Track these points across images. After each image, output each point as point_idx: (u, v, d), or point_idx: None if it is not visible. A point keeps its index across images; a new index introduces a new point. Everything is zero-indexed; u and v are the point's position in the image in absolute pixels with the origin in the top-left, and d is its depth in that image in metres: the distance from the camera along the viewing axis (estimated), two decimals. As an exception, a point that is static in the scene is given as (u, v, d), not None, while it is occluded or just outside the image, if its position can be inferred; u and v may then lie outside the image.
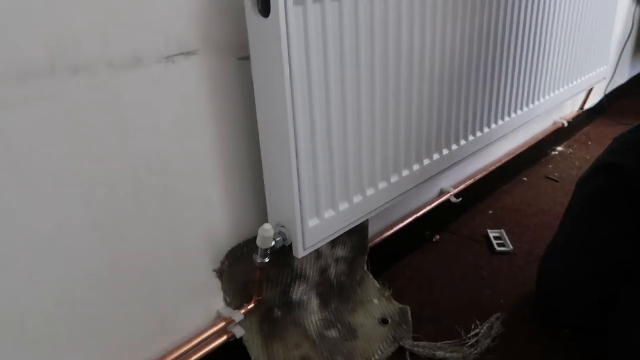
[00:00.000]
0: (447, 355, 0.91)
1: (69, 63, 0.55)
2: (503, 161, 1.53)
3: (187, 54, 0.67)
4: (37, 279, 0.58)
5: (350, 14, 0.73)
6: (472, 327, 0.99)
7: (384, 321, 0.98)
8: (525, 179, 1.65)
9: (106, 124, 0.60)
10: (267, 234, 0.75)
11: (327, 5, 0.69)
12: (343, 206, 0.83)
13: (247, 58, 0.73)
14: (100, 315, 0.65)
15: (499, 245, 1.26)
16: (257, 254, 0.77)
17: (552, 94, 1.44)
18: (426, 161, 1.00)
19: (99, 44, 0.57)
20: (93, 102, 0.58)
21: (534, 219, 1.40)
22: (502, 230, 1.32)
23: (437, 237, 1.30)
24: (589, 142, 1.96)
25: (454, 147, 1.08)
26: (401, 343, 0.93)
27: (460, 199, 1.32)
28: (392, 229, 1.15)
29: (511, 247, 1.25)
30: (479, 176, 1.42)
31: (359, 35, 0.75)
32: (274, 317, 0.87)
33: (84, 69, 0.56)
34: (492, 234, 1.31)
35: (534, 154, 1.72)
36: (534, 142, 1.67)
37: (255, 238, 0.77)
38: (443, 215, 1.32)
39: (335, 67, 0.74)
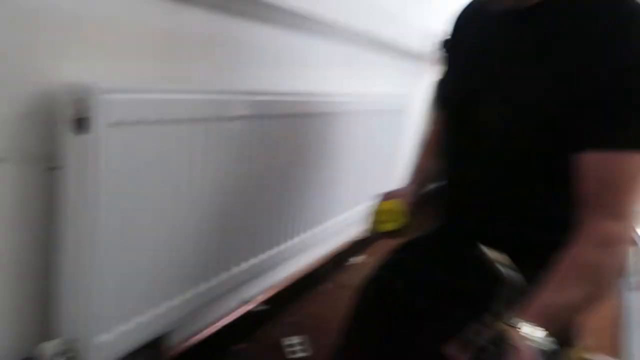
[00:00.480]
0: None
1: None
2: (306, 271, 1.65)
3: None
4: None
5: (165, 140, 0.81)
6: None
7: None
8: (328, 286, 1.80)
9: None
10: (50, 352, 0.72)
11: (140, 129, 0.76)
12: (138, 319, 0.84)
13: (57, 168, 0.74)
14: None
15: (295, 352, 1.34)
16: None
17: (345, 214, 1.65)
18: (235, 269, 1.07)
19: None
20: None
21: (333, 322, 1.52)
22: (305, 337, 1.41)
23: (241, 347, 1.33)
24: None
25: (245, 264, 1.14)
26: None
27: (266, 307, 1.39)
28: (195, 337, 1.15)
29: (311, 352, 1.33)
30: (281, 286, 1.52)
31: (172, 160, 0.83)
32: None
33: None
34: (288, 341, 1.38)
35: (334, 264, 1.89)
36: (334, 253, 1.85)
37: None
38: (248, 324, 1.37)
39: (146, 181, 0.79)
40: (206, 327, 1.20)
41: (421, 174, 1.02)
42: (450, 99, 0.88)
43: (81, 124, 0.69)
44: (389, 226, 0.95)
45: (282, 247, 1.27)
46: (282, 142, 1.16)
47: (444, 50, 0.95)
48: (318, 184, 1.41)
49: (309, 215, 1.38)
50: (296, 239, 1.34)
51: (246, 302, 1.36)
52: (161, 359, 1.00)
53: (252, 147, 1.05)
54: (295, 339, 1.40)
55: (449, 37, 0.93)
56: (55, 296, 0.76)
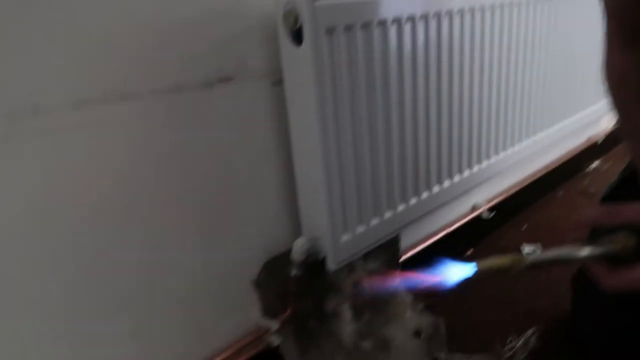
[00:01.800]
0: (481, 368, 0.92)
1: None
2: (537, 176, 1.52)
3: (224, 80, 0.72)
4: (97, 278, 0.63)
5: (379, 43, 0.77)
6: (508, 340, 0.99)
7: (417, 334, 1.00)
8: (560, 193, 1.64)
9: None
10: (301, 247, 0.79)
11: (357, 35, 0.73)
12: (374, 221, 0.87)
13: (280, 83, 0.78)
14: (146, 323, 0.71)
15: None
16: (292, 267, 0.81)
17: (583, 112, 1.44)
18: (457, 177, 1.03)
19: (145, 76, 0.63)
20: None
21: (570, 234, 1.39)
22: (538, 245, 1.31)
23: (471, 251, 1.31)
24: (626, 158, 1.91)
25: (485, 163, 1.09)
26: (435, 355, 0.95)
27: (493, 213, 1.33)
28: (424, 243, 1.17)
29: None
30: (512, 191, 1.42)
31: (389, 63, 0.79)
32: (309, 327, 0.90)
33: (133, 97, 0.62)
34: (526, 248, 1.31)
35: (569, 170, 1.70)
36: (568, 157, 1.66)
37: (289, 251, 0.81)
38: (476, 230, 1.33)
39: (365, 90, 0.78)
40: (436, 232, 1.20)
41: None
42: None
43: (297, 34, 0.69)
44: None
45: (510, 151, 1.17)
46: (505, 35, 1.03)
47: None
48: (548, 79, 1.24)
49: (538, 118, 1.24)
50: (525, 143, 1.21)
51: (476, 208, 1.32)
52: (394, 260, 1.03)
53: (473, 45, 0.95)
54: (528, 247, 1.31)
55: None
56: (301, 202, 0.82)
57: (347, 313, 0.96)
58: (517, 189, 1.44)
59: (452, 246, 1.29)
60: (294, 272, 0.81)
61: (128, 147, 0.63)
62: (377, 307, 1.01)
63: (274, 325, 0.84)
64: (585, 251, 0.52)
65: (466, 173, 1.05)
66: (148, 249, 0.68)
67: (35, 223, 0.57)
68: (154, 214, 0.68)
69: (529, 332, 1.01)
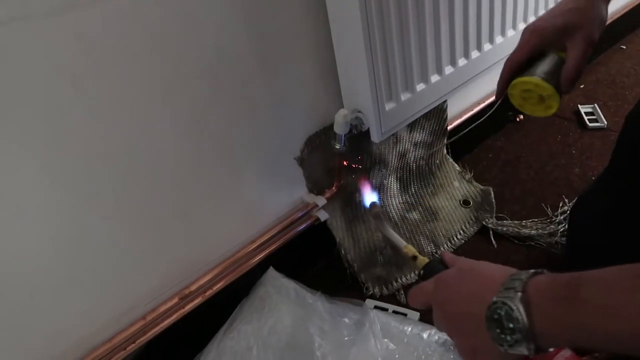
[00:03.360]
0: (533, 232, 0.90)
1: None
2: (598, 29, 1.36)
3: None
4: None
5: None
6: (560, 205, 0.96)
7: (465, 203, 0.98)
8: (624, 47, 1.49)
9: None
10: (343, 119, 0.74)
11: None
12: (420, 87, 0.80)
13: None
14: (200, 203, 0.71)
15: (591, 121, 1.17)
16: (335, 141, 0.77)
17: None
18: (511, 33, 0.92)
19: None
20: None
21: (632, 90, 1.28)
22: (595, 105, 1.22)
23: (521, 117, 1.23)
24: None
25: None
26: (484, 223, 0.93)
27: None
28: (472, 110, 1.10)
29: (605, 122, 1.16)
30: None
31: None
32: (356, 202, 0.89)
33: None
34: (583, 109, 1.22)
35: (635, 20, 1.52)
36: (634, 5, 1.47)
37: (331, 125, 0.77)
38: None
39: None
40: (483, 99, 1.12)
41: None
42: None
43: None
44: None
45: None
46: None
47: None
48: None
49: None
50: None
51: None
52: (441, 129, 0.98)
53: None
54: (587, 107, 1.22)
55: None
56: (340, 70, 0.76)
57: (393, 185, 0.94)
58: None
59: (501, 113, 1.21)
60: (336, 146, 0.77)
61: (154, 17, 0.57)
62: (423, 178, 0.99)
63: (321, 200, 0.83)
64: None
65: (520, 27, 0.94)
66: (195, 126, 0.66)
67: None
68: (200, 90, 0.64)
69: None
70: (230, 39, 0.65)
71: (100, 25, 0.53)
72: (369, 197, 0.86)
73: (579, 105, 1.23)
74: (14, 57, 0.49)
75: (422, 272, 0.61)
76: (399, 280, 0.85)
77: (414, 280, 0.85)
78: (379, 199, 0.93)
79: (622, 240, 0.64)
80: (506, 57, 0.62)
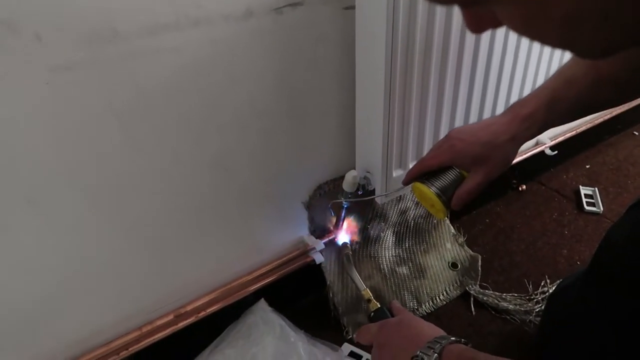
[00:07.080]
0: (511, 307, 0.95)
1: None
2: (614, 113, 1.41)
3: (294, 5, 0.69)
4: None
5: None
6: (542, 284, 1.01)
7: (454, 265, 1.04)
8: (636, 133, 1.54)
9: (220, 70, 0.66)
10: (352, 179, 0.81)
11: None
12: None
13: (352, 7, 0.74)
14: (209, 233, 0.77)
15: (588, 204, 1.22)
16: (342, 196, 0.83)
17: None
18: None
19: (217, 1, 0.61)
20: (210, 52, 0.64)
21: (635, 180, 1.33)
22: (596, 189, 1.27)
23: (524, 187, 1.29)
24: None
25: None
26: (467, 288, 0.99)
27: (555, 152, 1.27)
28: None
29: (602, 208, 1.21)
30: (582, 128, 1.34)
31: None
32: (352, 249, 0.95)
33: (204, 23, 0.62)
34: (584, 191, 1.27)
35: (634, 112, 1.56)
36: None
37: (341, 177, 0.83)
38: (534, 165, 1.29)
39: (439, 22, 0.73)
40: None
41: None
42: None
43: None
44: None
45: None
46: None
47: None
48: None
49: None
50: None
51: (540, 143, 1.25)
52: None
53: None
54: (587, 189, 1.27)
55: None
56: (358, 132, 0.82)
57: (389, 239, 1.00)
58: (588, 126, 1.35)
59: (506, 179, 1.27)
60: (342, 200, 0.83)
61: (198, 71, 0.64)
62: (418, 236, 1.05)
63: (319, 244, 0.90)
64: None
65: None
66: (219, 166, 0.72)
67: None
68: (215, 133, 0.70)
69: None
70: (262, 91, 0.72)
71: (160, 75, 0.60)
72: (344, 237, 0.92)
73: (580, 186, 1.28)
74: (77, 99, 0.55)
75: (372, 314, 0.79)
76: (378, 330, 0.91)
77: (391, 332, 0.91)
78: (375, 249, 0.99)
79: (586, 344, 0.69)
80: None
